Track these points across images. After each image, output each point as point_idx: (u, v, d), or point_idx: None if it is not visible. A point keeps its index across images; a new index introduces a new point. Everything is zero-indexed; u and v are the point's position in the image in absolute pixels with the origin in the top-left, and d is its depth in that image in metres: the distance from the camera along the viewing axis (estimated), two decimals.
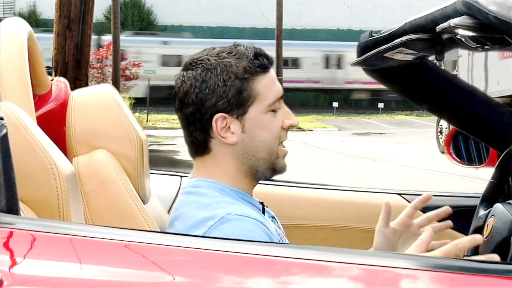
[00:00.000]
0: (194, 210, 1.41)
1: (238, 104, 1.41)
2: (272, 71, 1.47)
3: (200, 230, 1.36)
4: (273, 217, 1.59)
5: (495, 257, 1.27)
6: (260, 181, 1.51)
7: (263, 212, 1.50)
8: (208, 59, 1.42)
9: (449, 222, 1.62)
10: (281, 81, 27.23)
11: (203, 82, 1.41)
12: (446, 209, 1.62)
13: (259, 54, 1.44)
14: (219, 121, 1.42)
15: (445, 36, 1.41)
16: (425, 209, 2.11)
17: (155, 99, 30.71)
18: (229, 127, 1.42)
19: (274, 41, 27.00)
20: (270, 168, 1.47)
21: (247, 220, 1.36)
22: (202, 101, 1.41)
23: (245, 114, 1.42)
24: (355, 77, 33.95)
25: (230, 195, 1.44)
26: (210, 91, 1.41)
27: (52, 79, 1.84)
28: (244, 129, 1.43)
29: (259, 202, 1.52)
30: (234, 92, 1.41)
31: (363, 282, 1.06)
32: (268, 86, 1.43)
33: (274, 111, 1.44)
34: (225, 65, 1.41)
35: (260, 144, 1.44)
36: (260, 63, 1.43)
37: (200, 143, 1.45)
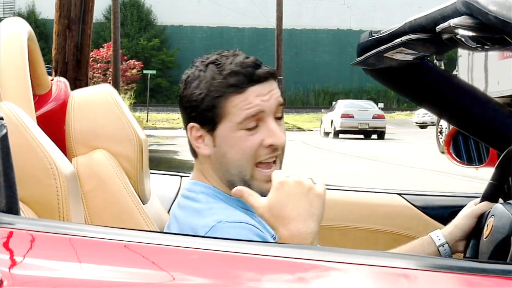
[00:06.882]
0: (187, 217, 1.40)
1: (209, 120, 1.39)
2: (256, 87, 1.38)
3: None
4: None
5: None
6: None
7: None
8: (197, 67, 1.41)
9: None
10: (281, 80, 27.14)
11: (184, 89, 1.42)
12: None
13: (236, 73, 1.37)
14: (193, 130, 1.41)
15: (445, 36, 1.41)
16: (425, 209, 2.12)
17: None
18: (204, 138, 1.41)
19: None
20: (247, 187, 1.38)
21: (238, 226, 1.34)
22: (183, 106, 1.43)
23: (215, 130, 1.39)
24: None
25: (223, 200, 1.42)
26: (187, 99, 1.41)
27: (52, 79, 1.84)
28: (215, 144, 1.40)
29: None
30: (205, 107, 1.38)
31: (363, 282, 1.06)
32: (239, 106, 1.37)
33: (250, 129, 1.38)
34: (202, 80, 1.39)
35: (229, 161, 1.40)
36: (234, 83, 1.37)
37: (189, 145, 1.46)
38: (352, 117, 23.17)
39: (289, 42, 40.56)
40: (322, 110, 28.85)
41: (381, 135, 23.15)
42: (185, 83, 1.42)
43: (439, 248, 1.65)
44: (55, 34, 8.68)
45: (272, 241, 1.40)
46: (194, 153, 1.47)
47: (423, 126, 29.41)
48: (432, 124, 28.69)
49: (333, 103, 25.43)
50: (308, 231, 1.27)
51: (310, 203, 1.29)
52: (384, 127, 23.47)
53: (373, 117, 23.33)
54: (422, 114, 29.41)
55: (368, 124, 23.13)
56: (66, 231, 1.12)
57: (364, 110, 23.77)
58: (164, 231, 1.50)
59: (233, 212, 1.39)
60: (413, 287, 1.05)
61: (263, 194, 1.35)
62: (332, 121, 23.92)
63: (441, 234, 1.68)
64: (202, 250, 1.09)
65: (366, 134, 23.50)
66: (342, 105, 24.50)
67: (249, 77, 1.37)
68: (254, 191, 1.34)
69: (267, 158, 1.40)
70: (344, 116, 23.22)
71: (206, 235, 1.32)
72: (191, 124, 1.41)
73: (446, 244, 1.66)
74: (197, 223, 1.36)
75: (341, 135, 23.31)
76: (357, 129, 23.11)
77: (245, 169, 1.39)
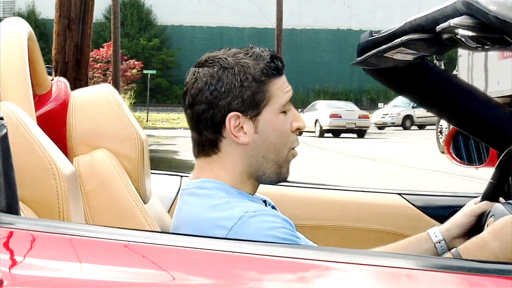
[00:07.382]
0: (203, 212, 1.40)
1: (253, 105, 1.42)
2: (284, 73, 1.48)
3: (218, 231, 1.35)
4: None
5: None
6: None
7: None
8: (226, 58, 1.43)
9: None
10: None
11: (219, 81, 1.41)
12: None
13: (275, 57, 1.45)
14: (232, 120, 1.42)
15: (445, 36, 1.42)
16: (425, 209, 2.12)
17: None
18: (242, 126, 1.43)
19: None
20: (276, 172, 1.47)
21: (266, 213, 1.39)
22: (216, 100, 1.42)
23: (258, 115, 1.43)
24: None
25: (235, 195, 1.44)
26: (226, 90, 1.41)
27: (52, 79, 1.84)
28: (257, 130, 1.44)
29: (262, 200, 1.53)
30: (250, 93, 1.42)
31: (363, 282, 1.06)
32: (282, 88, 1.45)
33: (285, 112, 1.46)
34: (242, 66, 1.42)
35: (271, 145, 1.45)
36: (275, 66, 1.44)
37: (209, 142, 1.45)
38: (340, 117, 25.27)
39: (289, 42, 40.57)
40: (299, 110, 29.88)
41: (362, 133, 25.36)
42: (218, 76, 1.42)
43: (436, 244, 1.66)
44: (55, 34, 8.67)
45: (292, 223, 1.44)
46: (203, 151, 1.47)
47: (381, 127, 29.66)
48: (393, 124, 29.12)
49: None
50: (499, 256, 1.40)
51: None
52: (369, 127, 25.89)
53: (359, 117, 25.50)
54: (382, 114, 29.79)
55: (355, 123, 25.20)
56: (67, 231, 1.12)
57: (351, 110, 26.07)
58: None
59: (252, 204, 1.43)
60: (413, 287, 1.05)
61: (285, 175, 1.48)
62: (317, 121, 25.63)
63: (438, 231, 1.68)
64: (203, 250, 1.09)
65: (338, 132, 25.59)
66: (325, 106, 26.56)
67: (282, 62, 1.47)
68: (283, 172, 1.46)
69: (296, 143, 1.49)
70: (333, 116, 25.32)
71: (234, 226, 1.34)
72: (231, 114, 1.42)
73: (443, 241, 1.66)
74: (218, 215, 1.37)
75: (326, 134, 25.44)
76: (345, 128, 25.19)
77: (283, 151, 1.47)
